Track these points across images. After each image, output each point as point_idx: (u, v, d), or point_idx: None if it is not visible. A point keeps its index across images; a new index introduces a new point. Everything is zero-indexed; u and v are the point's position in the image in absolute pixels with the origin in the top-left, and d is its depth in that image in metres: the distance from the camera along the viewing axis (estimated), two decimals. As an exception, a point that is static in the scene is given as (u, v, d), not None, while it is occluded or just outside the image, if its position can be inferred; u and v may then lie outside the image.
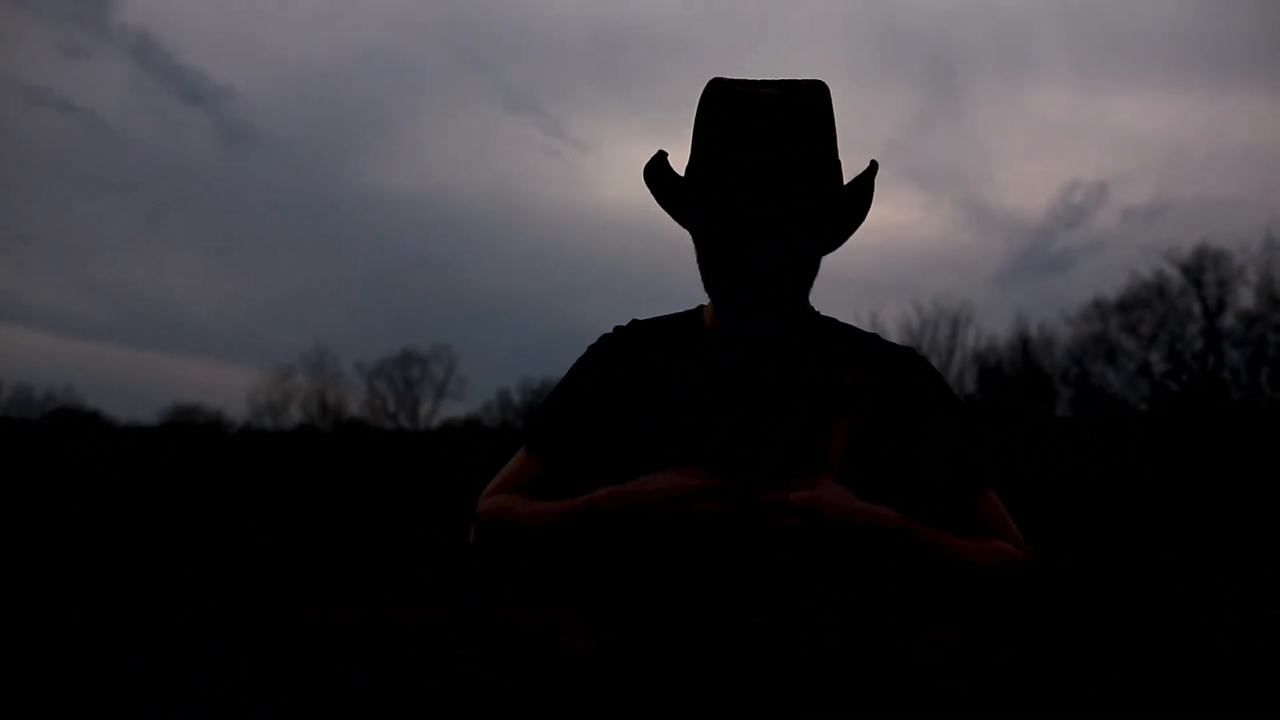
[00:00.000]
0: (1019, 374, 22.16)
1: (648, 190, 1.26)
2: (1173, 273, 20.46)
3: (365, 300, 42.46)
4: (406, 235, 45.15)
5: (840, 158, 1.22)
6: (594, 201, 43.17)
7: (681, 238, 1.28)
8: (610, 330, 1.35)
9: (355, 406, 29.18)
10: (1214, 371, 19.21)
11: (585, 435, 1.29)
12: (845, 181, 1.22)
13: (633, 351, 1.31)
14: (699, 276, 1.26)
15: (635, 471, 1.19)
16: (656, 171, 1.23)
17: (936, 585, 1.17)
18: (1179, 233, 32.98)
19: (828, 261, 1.27)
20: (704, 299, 1.30)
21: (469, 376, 34.92)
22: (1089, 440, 14.40)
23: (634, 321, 1.35)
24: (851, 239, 1.27)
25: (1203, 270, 20.15)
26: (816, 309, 1.32)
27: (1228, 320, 19.62)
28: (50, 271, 44.15)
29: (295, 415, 29.12)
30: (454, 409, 30.26)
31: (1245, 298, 19.56)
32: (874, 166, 1.21)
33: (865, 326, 1.33)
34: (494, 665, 6.99)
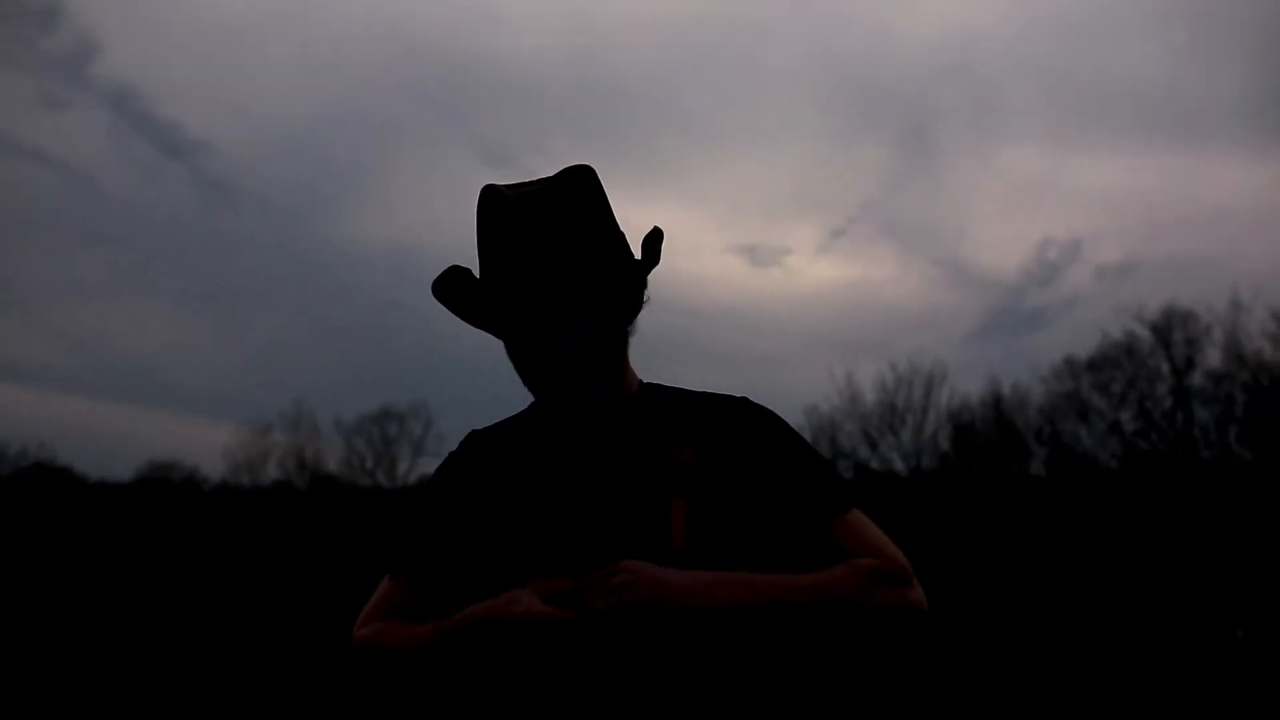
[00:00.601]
0: (992, 433, 22.33)
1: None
2: (1142, 332, 20.83)
3: (342, 356, 42.37)
4: (383, 291, 45.17)
5: (621, 230, 1.26)
6: (571, 258, 43.52)
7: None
8: (455, 448, 1.39)
9: (333, 464, 29.02)
10: (1183, 430, 19.49)
11: (439, 550, 1.31)
12: (630, 249, 1.27)
13: (473, 461, 1.35)
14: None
15: (493, 575, 1.22)
16: (449, 285, 1.27)
17: (785, 624, 1.17)
18: (1150, 290, 33.63)
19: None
20: None
21: (447, 434, 35.00)
22: (1063, 499, 14.52)
23: (472, 433, 1.39)
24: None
25: (1171, 330, 20.55)
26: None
27: (1196, 379, 19.98)
28: (25, 324, 43.89)
29: (273, 472, 28.95)
30: (431, 467, 30.11)
31: (1213, 357, 19.95)
32: (656, 232, 1.26)
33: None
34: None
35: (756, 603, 1.15)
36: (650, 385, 1.35)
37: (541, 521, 1.22)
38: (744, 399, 1.35)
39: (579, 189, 1.23)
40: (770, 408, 1.34)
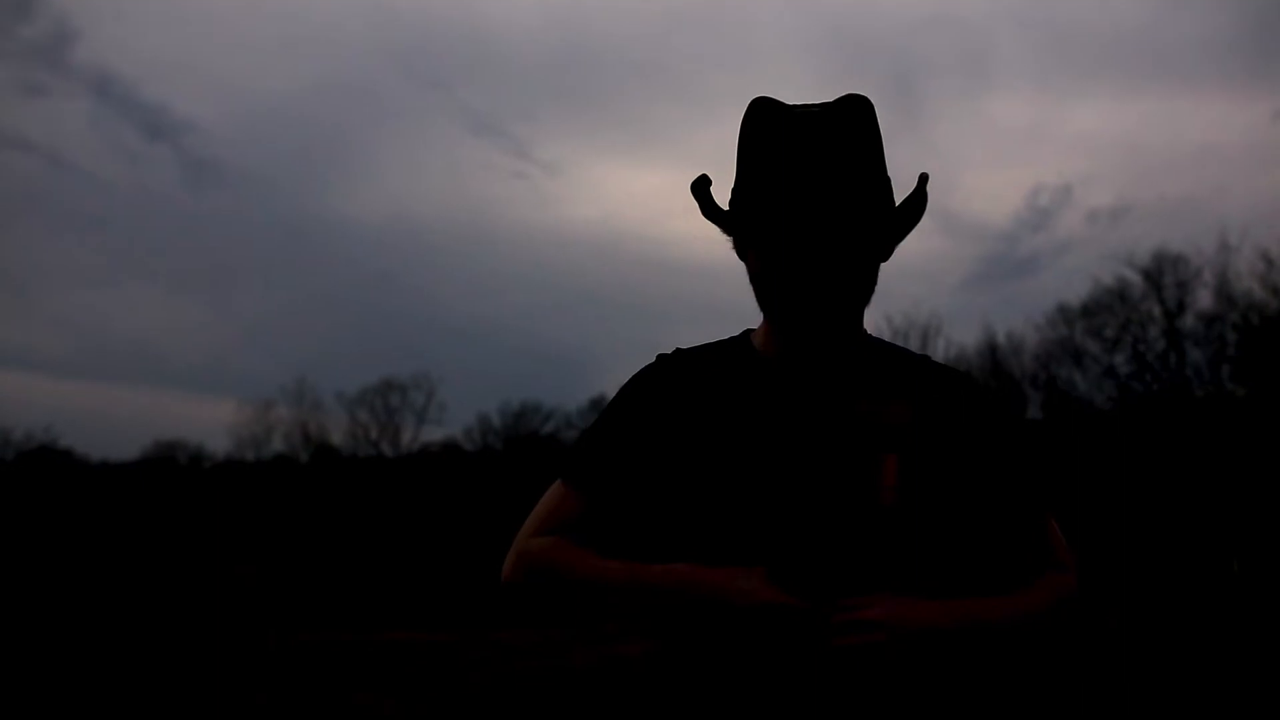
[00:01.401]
0: (989, 380, 22.46)
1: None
2: (1133, 277, 20.90)
3: (340, 328, 42.30)
4: (376, 261, 45.03)
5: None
6: (563, 222, 43.24)
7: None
8: (654, 359, 1.31)
9: (337, 436, 29.10)
10: (1177, 370, 19.62)
11: (629, 472, 1.22)
12: (894, 192, 1.21)
13: (679, 383, 1.25)
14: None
15: (688, 514, 1.17)
16: (702, 191, 1.22)
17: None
18: (1141, 232, 33.73)
19: None
20: (716, 327, 1.29)
21: (449, 402, 35.05)
22: (1060, 443, 14.65)
23: (678, 350, 1.31)
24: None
25: (1162, 274, 20.63)
26: (869, 331, 1.29)
27: (1188, 321, 20.10)
28: (23, 310, 43.69)
29: (278, 446, 29.02)
30: (436, 435, 30.20)
31: (1204, 299, 20.06)
32: (924, 179, 1.22)
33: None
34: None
35: (987, 633, 1.12)
36: (875, 339, 1.29)
37: (744, 463, 1.16)
38: (969, 374, 1.31)
39: (859, 119, 1.18)
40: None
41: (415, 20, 46.10)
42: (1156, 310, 20.69)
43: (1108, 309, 21.36)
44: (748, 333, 1.29)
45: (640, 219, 44.53)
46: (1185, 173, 33.67)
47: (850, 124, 1.17)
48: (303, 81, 45.20)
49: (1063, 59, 37.60)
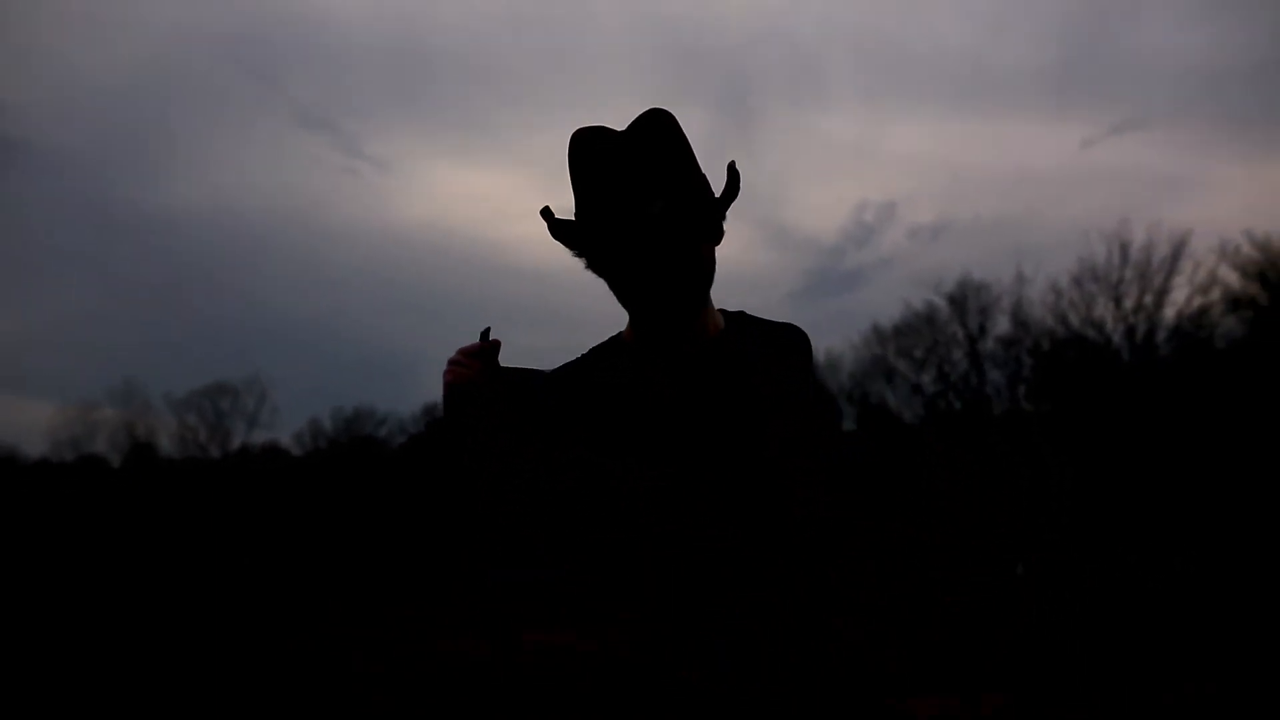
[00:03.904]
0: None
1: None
2: (940, 302, 22.49)
3: (168, 327, 39.97)
4: (201, 256, 42.85)
5: (701, 170, 1.36)
6: (395, 221, 42.24)
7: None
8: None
9: (166, 439, 27.75)
10: (978, 389, 21.21)
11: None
12: (710, 187, 1.36)
13: (561, 380, 1.43)
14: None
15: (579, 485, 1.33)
16: (549, 218, 1.36)
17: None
18: (959, 250, 35.70)
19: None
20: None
21: (282, 406, 33.79)
22: (875, 455, 15.56)
23: (568, 362, 1.47)
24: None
25: (965, 300, 22.30)
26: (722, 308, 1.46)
27: (988, 344, 21.80)
28: None
29: (102, 449, 27.49)
30: (266, 439, 29.15)
31: (1002, 324, 21.80)
32: (732, 165, 1.36)
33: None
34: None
35: None
36: (733, 316, 1.47)
37: (617, 436, 1.34)
38: (791, 325, 1.47)
39: (661, 130, 1.33)
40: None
41: (244, 5, 44.25)
42: (960, 333, 22.36)
43: (917, 331, 22.95)
44: (620, 332, 1.45)
45: (474, 220, 43.94)
46: (1001, 194, 36.06)
47: (652, 138, 1.33)
48: (121, 64, 42.62)
49: (891, 79, 39.59)
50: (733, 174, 1.36)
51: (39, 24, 41.15)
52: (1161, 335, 19.12)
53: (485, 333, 1.39)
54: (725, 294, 1.46)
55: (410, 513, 15.50)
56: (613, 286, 1.37)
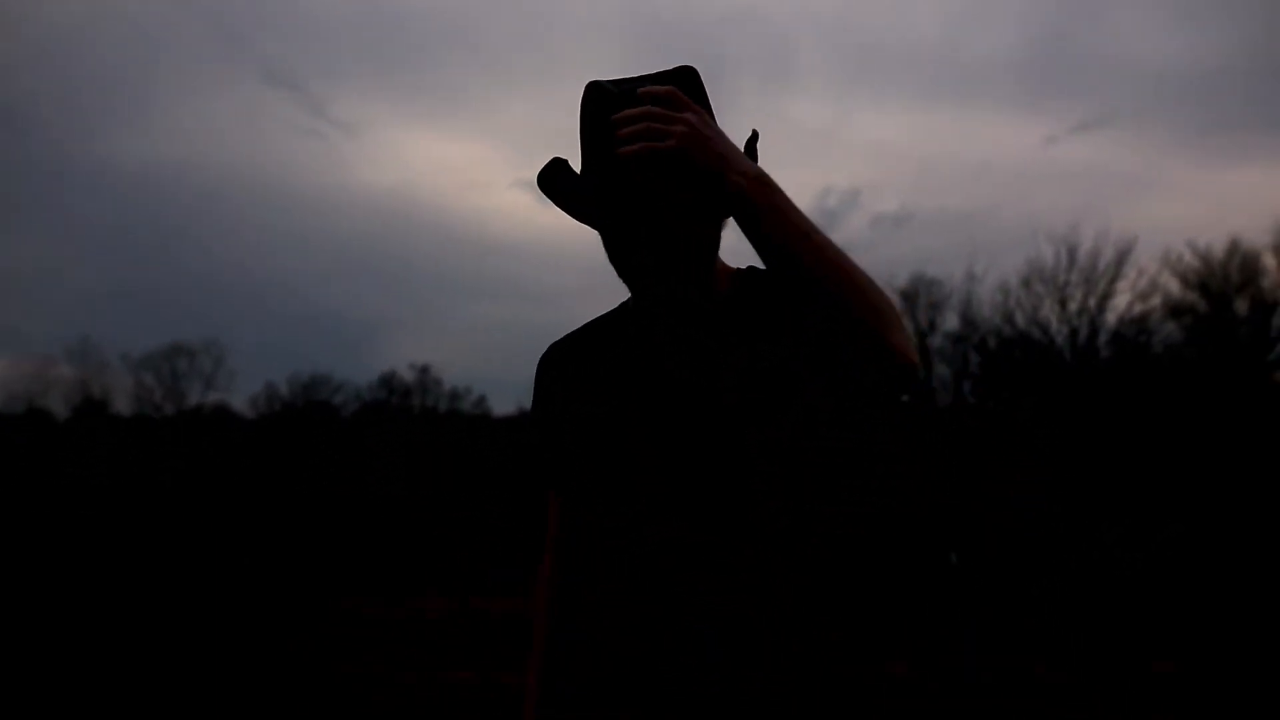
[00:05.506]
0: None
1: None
2: (892, 298, 22.89)
3: (125, 286, 38.95)
4: (160, 214, 41.77)
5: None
6: (360, 186, 41.44)
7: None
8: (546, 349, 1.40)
9: (121, 398, 27.29)
10: (925, 383, 21.69)
11: (564, 439, 1.33)
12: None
13: (568, 350, 1.39)
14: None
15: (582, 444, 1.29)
16: (552, 177, 1.26)
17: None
18: (921, 240, 35.98)
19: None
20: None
21: (240, 369, 33.43)
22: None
23: (552, 345, 1.40)
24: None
25: (917, 295, 22.75)
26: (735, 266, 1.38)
27: (937, 339, 22.30)
28: None
29: (55, 406, 27.03)
30: (222, 401, 28.86)
31: (951, 321, 22.32)
32: (754, 135, 1.28)
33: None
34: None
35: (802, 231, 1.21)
36: (741, 273, 1.38)
37: (634, 424, 1.26)
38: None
39: (684, 88, 1.24)
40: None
41: (209, -38, 43.18)
42: (911, 328, 22.77)
43: (870, 324, 23.29)
44: (625, 302, 1.39)
45: (439, 188, 43.45)
46: (964, 187, 36.47)
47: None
48: (78, 9, 41.36)
49: (860, 67, 39.76)
50: (752, 142, 1.29)
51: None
52: (1103, 338, 19.77)
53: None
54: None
55: (358, 483, 15.53)
56: (614, 255, 1.31)
